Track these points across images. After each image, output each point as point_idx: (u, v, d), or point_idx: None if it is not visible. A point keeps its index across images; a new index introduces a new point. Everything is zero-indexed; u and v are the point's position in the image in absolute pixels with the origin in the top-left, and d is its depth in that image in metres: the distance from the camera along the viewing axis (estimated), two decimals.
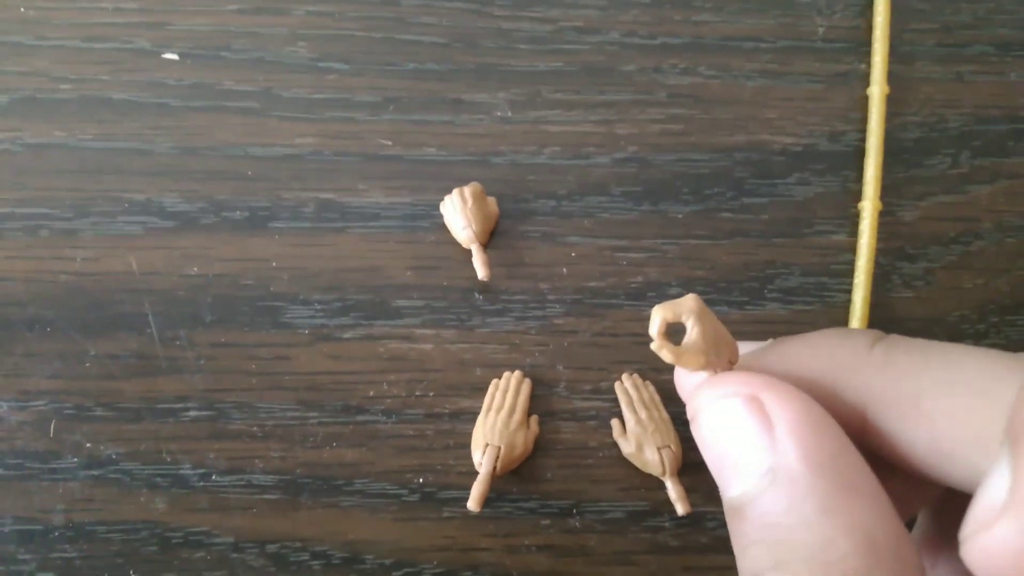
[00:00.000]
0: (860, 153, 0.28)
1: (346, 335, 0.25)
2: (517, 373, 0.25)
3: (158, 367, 0.24)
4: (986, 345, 0.27)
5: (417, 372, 0.25)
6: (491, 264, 0.25)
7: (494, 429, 0.24)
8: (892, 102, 0.29)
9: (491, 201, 0.26)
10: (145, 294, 0.25)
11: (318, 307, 0.25)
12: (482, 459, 0.24)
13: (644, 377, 0.26)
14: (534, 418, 0.25)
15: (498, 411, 0.24)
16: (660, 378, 0.26)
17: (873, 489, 0.14)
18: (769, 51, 0.29)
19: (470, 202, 0.25)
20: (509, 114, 0.28)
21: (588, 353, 0.26)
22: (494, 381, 0.25)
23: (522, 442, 0.24)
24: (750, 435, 0.15)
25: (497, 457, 0.24)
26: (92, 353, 0.24)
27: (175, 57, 0.27)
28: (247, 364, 0.25)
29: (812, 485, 0.14)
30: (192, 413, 0.24)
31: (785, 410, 0.15)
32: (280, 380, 0.25)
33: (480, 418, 0.25)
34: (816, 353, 0.17)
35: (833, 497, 0.14)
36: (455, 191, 0.26)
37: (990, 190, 0.29)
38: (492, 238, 0.27)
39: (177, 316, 0.25)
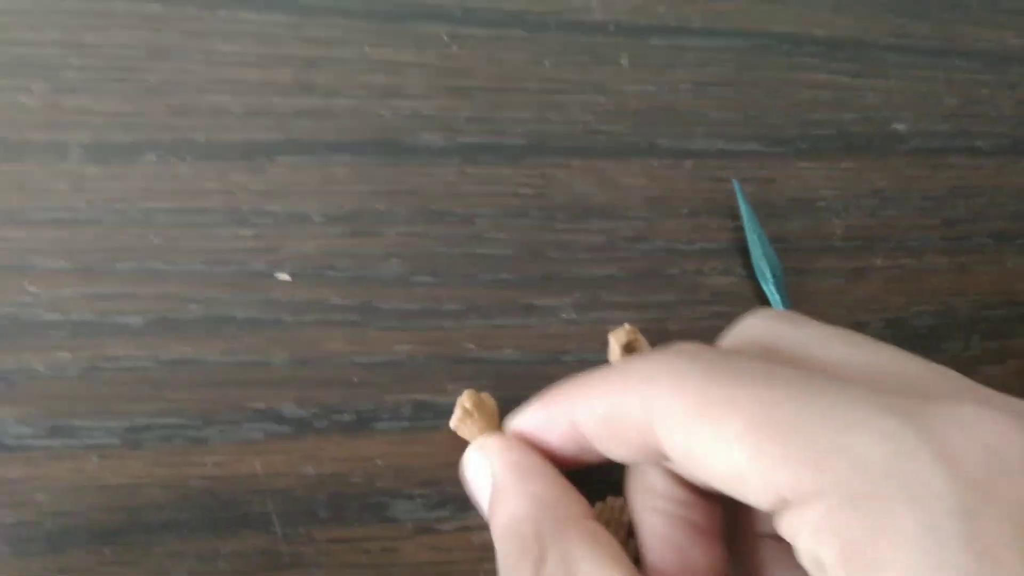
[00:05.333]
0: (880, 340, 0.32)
1: (444, 527, 0.29)
2: None
3: (282, 563, 0.28)
4: None
5: None
6: None
7: None
8: (906, 293, 0.33)
9: None
10: (268, 495, 0.28)
11: (419, 501, 0.29)
12: None
13: None
14: None
15: None
16: None
17: (543, 472, 0.25)
18: (794, 251, 0.33)
19: None
20: (574, 316, 0.32)
21: None
22: None
23: None
24: (480, 464, 0.26)
25: None
26: (223, 552, 0.28)
27: (287, 277, 0.31)
28: (359, 557, 0.28)
29: (506, 479, 0.25)
30: None
31: (494, 444, 0.26)
32: (389, 572, 0.28)
33: None
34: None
35: (517, 482, 0.24)
36: None
37: (1000, 369, 0.33)
38: None
39: (297, 514, 0.28)
